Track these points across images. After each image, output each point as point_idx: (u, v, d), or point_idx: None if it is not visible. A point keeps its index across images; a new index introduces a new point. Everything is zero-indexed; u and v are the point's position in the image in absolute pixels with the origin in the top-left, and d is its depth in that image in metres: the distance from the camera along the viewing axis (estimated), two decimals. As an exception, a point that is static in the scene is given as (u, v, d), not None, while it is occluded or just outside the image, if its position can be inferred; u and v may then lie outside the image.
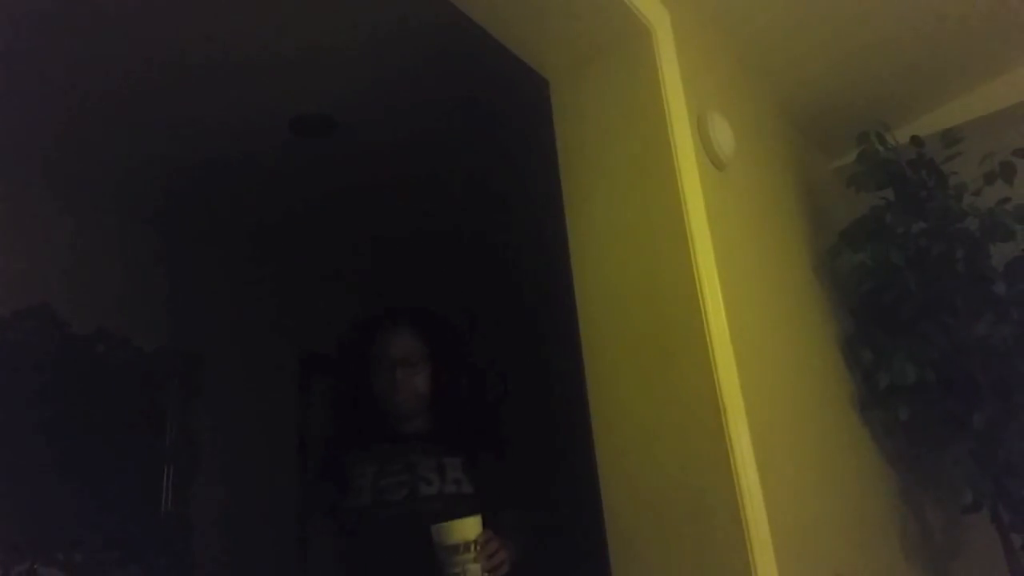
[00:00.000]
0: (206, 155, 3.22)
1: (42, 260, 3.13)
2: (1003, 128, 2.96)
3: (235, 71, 2.74)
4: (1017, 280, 2.67)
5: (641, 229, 2.12)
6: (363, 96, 2.94)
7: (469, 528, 1.72)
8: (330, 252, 4.12)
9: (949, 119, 3.09)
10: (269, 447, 3.62)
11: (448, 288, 3.37)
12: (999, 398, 2.56)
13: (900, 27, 2.84)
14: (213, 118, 2.99)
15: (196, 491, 3.19)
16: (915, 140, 2.80)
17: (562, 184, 2.27)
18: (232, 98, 2.88)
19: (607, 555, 1.97)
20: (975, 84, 3.18)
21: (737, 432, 1.97)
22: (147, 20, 2.49)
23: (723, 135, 2.35)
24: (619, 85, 2.24)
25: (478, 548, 1.72)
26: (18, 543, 2.58)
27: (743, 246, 2.38)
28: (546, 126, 2.32)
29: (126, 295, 3.33)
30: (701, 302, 2.03)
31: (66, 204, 3.31)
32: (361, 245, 4.10)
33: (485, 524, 1.82)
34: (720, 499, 1.91)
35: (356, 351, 2.16)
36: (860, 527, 2.41)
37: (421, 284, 3.51)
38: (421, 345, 2.13)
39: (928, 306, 2.69)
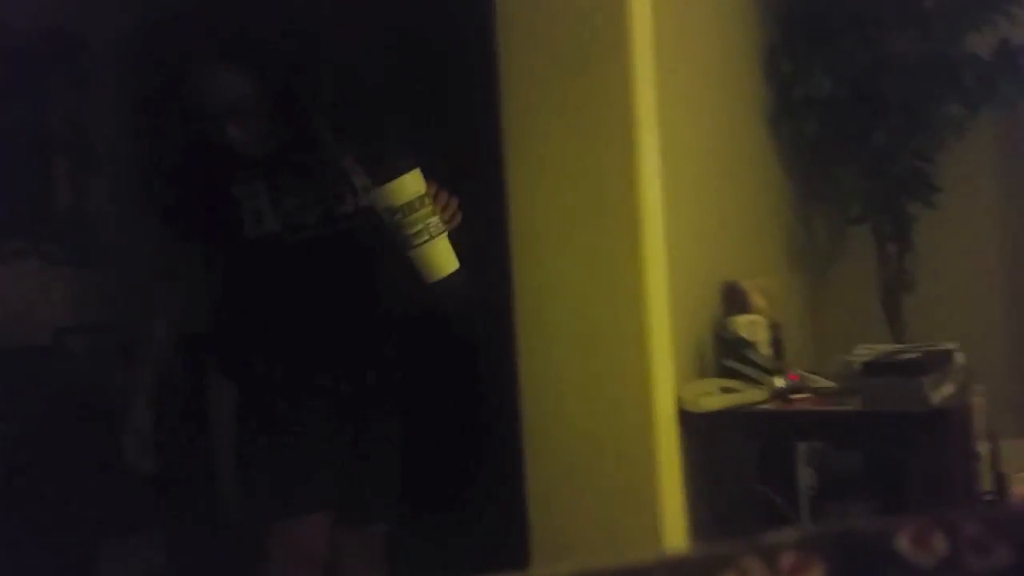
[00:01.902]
0: None
1: None
2: None
3: None
4: (946, -6, 2.60)
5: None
6: None
7: (418, 181, 1.57)
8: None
9: None
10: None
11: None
12: (904, 116, 2.59)
13: None
14: None
15: (95, 185, 3.03)
16: None
17: None
18: None
19: (507, 248, 2.02)
20: None
21: (645, 133, 1.96)
22: None
23: None
24: None
25: (431, 200, 1.59)
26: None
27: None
28: None
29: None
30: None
31: None
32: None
33: None
34: (621, 198, 1.94)
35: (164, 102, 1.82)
36: (753, 235, 2.52)
37: None
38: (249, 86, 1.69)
39: (857, 17, 2.62)
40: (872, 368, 1.99)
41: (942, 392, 1.96)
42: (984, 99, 2.55)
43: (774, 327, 2.18)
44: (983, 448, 2.17)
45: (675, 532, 1.85)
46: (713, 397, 1.98)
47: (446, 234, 1.62)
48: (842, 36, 2.64)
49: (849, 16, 2.61)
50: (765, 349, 2.12)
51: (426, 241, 1.58)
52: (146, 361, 1.83)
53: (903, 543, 0.55)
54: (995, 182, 2.71)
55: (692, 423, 1.95)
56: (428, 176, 1.64)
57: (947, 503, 1.88)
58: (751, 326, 2.13)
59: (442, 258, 1.60)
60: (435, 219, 1.59)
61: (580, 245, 1.97)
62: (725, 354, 2.09)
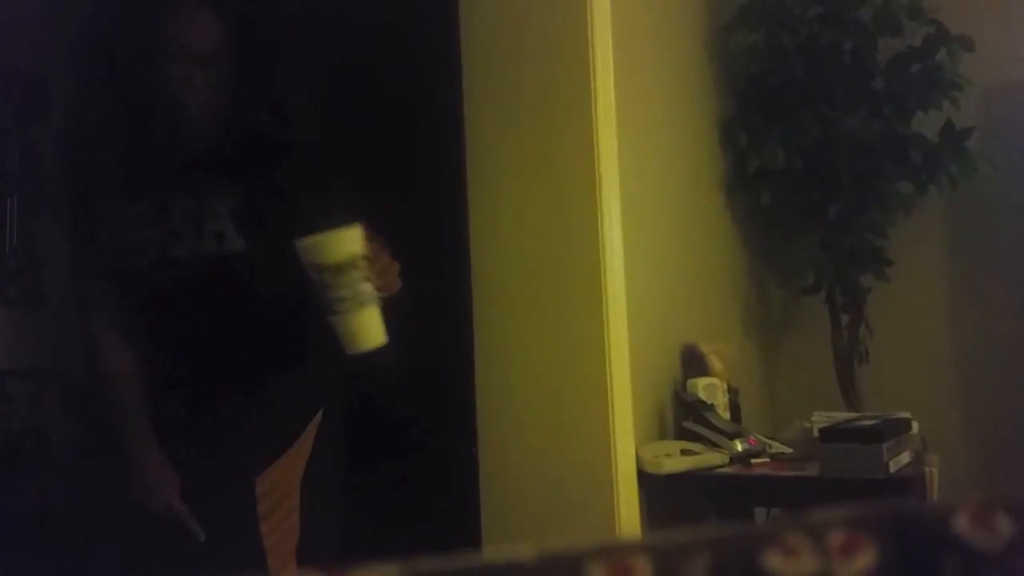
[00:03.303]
0: None
1: None
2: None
3: None
4: (896, 77, 2.71)
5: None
6: None
7: (355, 240, 1.37)
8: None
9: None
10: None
11: None
12: (857, 191, 2.67)
13: None
14: None
15: (41, 225, 2.94)
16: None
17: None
18: None
19: (469, 306, 2.00)
20: None
21: (608, 199, 1.97)
22: None
23: None
24: None
25: (368, 263, 1.37)
26: None
27: (640, 11, 2.27)
28: None
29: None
30: (591, 64, 1.96)
31: None
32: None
33: None
34: (585, 262, 1.94)
35: (128, 35, 1.52)
36: (709, 302, 2.54)
37: None
38: (222, 35, 1.53)
39: (809, 94, 2.71)
40: (830, 434, 1.98)
41: (899, 460, 1.97)
42: (931, 177, 2.64)
43: (732, 391, 2.18)
44: (938, 517, 2.17)
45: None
46: (673, 459, 1.96)
47: (377, 304, 1.40)
48: (795, 111, 2.72)
49: (801, 93, 2.70)
50: (723, 412, 2.12)
51: (352, 309, 1.38)
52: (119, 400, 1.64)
53: (962, 524, 0.51)
54: (944, 257, 2.79)
55: (651, 484, 1.92)
56: (380, 231, 1.45)
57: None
58: (710, 389, 2.13)
59: (368, 330, 1.40)
60: (367, 285, 1.39)
61: (543, 302, 1.96)
62: (685, 416, 2.08)
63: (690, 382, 2.13)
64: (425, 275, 1.71)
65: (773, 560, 0.50)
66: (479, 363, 1.94)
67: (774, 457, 2.06)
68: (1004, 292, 2.69)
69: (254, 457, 1.58)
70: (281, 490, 1.58)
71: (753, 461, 2.02)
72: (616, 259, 1.97)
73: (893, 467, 1.90)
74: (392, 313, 1.39)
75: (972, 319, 2.72)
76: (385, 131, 2.34)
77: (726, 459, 1.99)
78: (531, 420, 1.90)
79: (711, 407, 2.07)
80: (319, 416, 1.66)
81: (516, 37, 2.01)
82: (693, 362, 2.19)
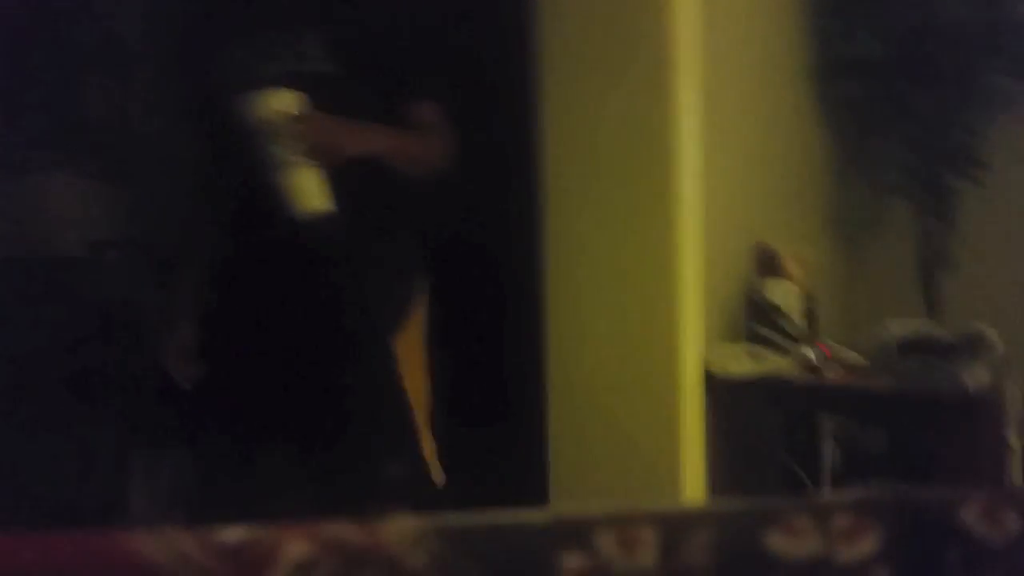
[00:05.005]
0: None
1: None
2: None
3: None
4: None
5: None
6: None
7: (281, 100, 1.38)
8: None
9: None
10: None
11: None
12: (954, 85, 2.47)
13: None
14: None
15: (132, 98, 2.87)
16: None
17: None
18: None
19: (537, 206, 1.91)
20: None
21: (687, 81, 1.85)
22: None
23: None
24: None
25: (288, 130, 1.38)
26: None
27: None
28: None
29: None
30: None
31: None
32: None
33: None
34: (656, 146, 1.83)
35: None
36: (788, 199, 2.41)
37: None
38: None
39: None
40: (908, 346, 1.89)
41: (978, 378, 1.87)
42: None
43: (808, 297, 2.08)
44: (1016, 441, 2.08)
45: (694, 495, 1.77)
46: (742, 362, 1.88)
47: (312, 167, 1.41)
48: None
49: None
50: (798, 318, 2.02)
51: (283, 168, 1.40)
52: (187, 270, 1.69)
53: (971, 516, 0.51)
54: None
55: (718, 387, 1.86)
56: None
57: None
58: (785, 293, 2.03)
59: (303, 191, 1.40)
60: (297, 145, 1.39)
61: (613, 196, 1.87)
62: (756, 319, 1.99)
63: (765, 283, 2.03)
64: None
65: (775, 540, 0.51)
66: (548, 260, 1.87)
67: (847, 366, 1.97)
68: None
69: (389, 318, 1.59)
70: (413, 352, 1.62)
71: (823, 369, 1.94)
72: (691, 146, 1.86)
73: (971, 385, 1.81)
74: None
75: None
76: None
77: (797, 366, 1.92)
78: (598, 314, 1.84)
79: (784, 312, 1.98)
80: (427, 285, 1.66)
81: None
82: (767, 262, 2.09)
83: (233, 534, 0.49)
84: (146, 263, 2.26)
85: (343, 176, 1.45)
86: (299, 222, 1.42)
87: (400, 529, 0.49)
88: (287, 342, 1.55)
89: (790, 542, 0.51)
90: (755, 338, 1.98)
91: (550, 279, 1.88)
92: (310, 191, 1.41)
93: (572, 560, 0.49)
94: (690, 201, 1.86)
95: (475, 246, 2.15)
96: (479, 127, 1.66)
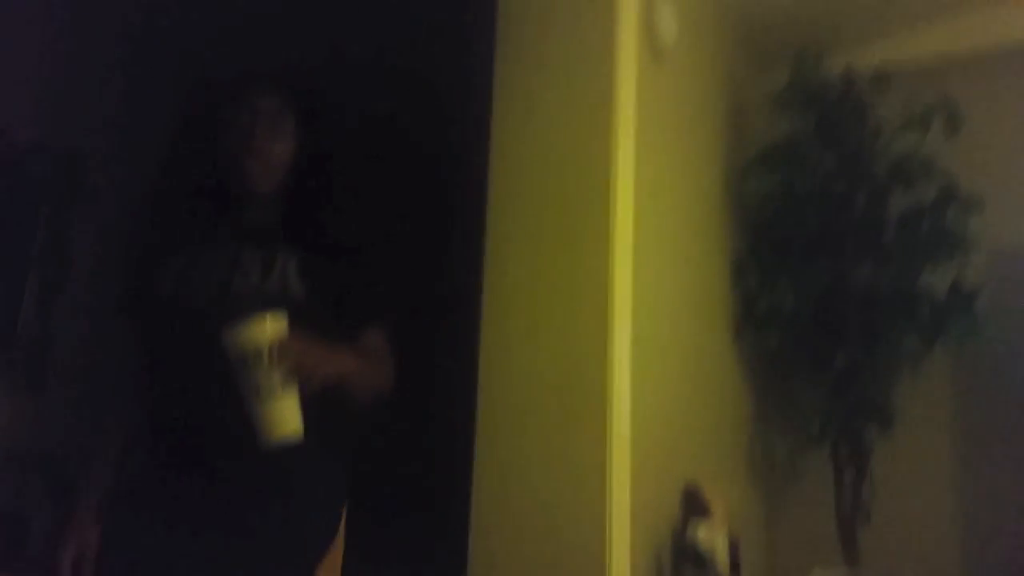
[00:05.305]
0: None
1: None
2: (932, 77, 2.93)
3: None
4: (906, 233, 2.72)
5: (568, 106, 2.03)
6: None
7: (260, 330, 1.37)
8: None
9: (884, 53, 3.03)
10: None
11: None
12: (864, 343, 2.64)
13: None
14: None
15: (63, 306, 2.89)
16: (847, 76, 2.76)
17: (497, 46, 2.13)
18: None
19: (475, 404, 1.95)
20: (916, 22, 3.13)
21: (620, 330, 1.95)
22: None
23: (667, 22, 2.26)
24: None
25: (273, 356, 1.37)
26: None
27: (665, 145, 2.31)
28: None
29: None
30: (612, 193, 1.98)
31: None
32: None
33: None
34: (592, 391, 1.90)
35: (208, 109, 1.66)
36: (713, 444, 2.48)
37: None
38: (287, 108, 1.66)
39: (820, 242, 2.72)
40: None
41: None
42: (938, 335, 2.62)
43: (733, 543, 2.10)
44: None
45: None
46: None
47: (289, 394, 1.39)
48: (807, 257, 2.73)
49: (813, 240, 2.71)
50: (723, 560, 2.03)
51: (263, 400, 1.37)
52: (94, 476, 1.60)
53: None
54: (950, 417, 2.74)
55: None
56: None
57: None
58: (710, 535, 2.05)
59: (277, 420, 1.38)
60: (269, 382, 1.38)
61: (546, 429, 1.91)
62: (683, 563, 1.99)
63: (691, 527, 2.05)
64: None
65: None
66: (476, 490, 1.88)
67: (773, 614, 1.96)
68: (1010, 455, 2.63)
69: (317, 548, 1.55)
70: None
71: (751, 616, 1.92)
72: (623, 396, 1.93)
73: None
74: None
75: (977, 481, 2.65)
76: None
77: (723, 612, 1.90)
78: (526, 551, 1.82)
79: (710, 558, 1.99)
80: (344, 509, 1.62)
81: (540, 166, 2.03)
82: (695, 503, 2.12)
83: None
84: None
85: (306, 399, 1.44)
86: (265, 450, 1.38)
87: None
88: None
89: None
90: (682, 581, 1.97)
91: (478, 503, 1.87)
92: (288, 416, 1.39)
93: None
94: (620, 439, 1.91)
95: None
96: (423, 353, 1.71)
